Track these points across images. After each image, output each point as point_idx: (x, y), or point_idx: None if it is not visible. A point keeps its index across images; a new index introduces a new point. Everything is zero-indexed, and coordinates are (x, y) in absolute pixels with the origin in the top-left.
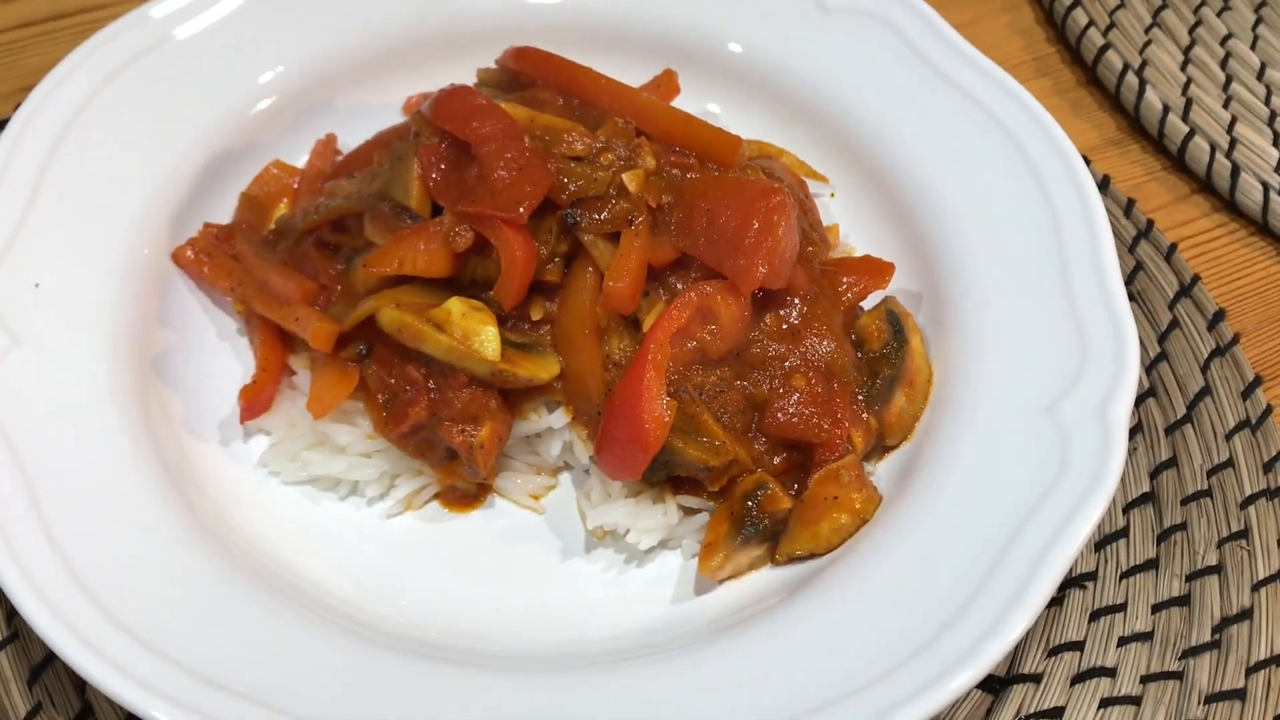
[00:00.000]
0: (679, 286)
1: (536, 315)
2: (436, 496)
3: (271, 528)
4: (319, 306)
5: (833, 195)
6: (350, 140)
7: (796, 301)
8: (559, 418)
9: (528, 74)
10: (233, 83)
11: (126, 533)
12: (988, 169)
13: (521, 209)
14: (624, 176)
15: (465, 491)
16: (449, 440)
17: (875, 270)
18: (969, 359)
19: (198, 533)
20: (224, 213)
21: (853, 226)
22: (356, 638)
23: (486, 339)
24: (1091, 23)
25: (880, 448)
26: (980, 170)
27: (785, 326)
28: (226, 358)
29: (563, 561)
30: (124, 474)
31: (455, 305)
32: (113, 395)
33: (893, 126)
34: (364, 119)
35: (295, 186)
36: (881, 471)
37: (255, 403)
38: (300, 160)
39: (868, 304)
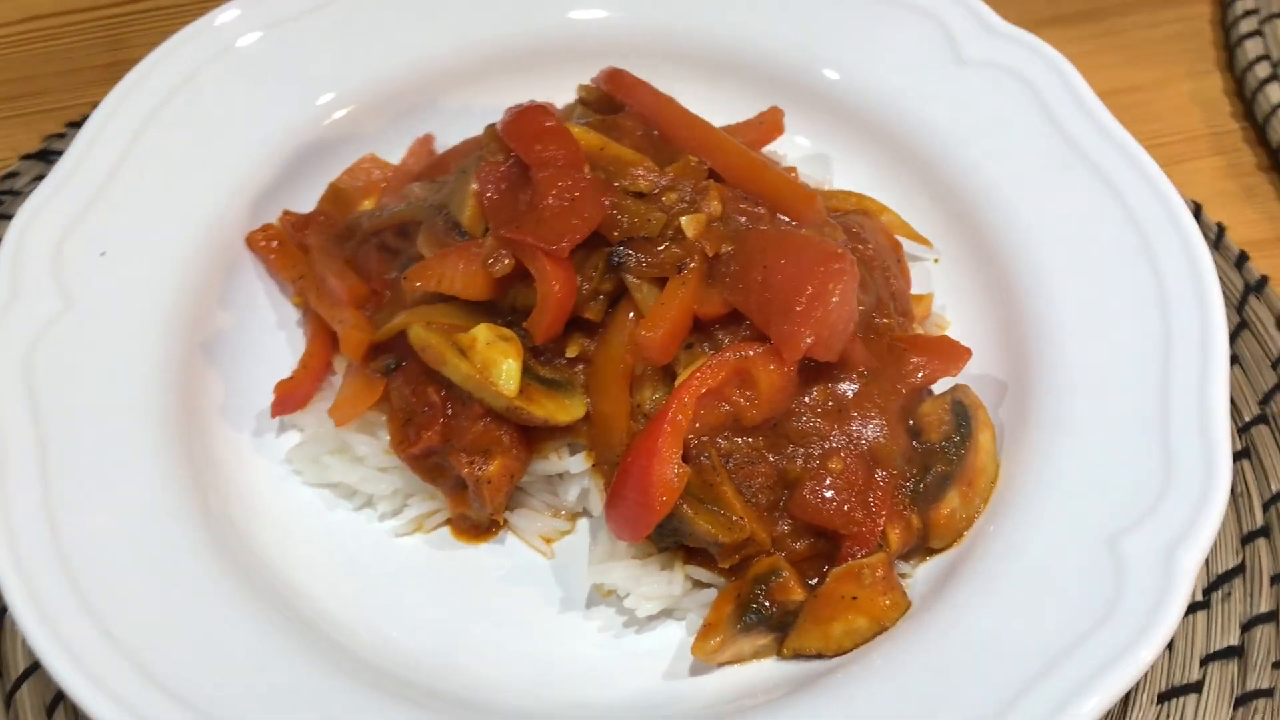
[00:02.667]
0: (725, 341)
1: (572, 353)
2: (448, 523)
3: (282, 528)
4: (367, 311)
5: (936, 261)
6: (449, 141)
7: (852, 377)
8: (579, 462)
9: (618, 96)
10: (338, 72)
11: (132, 530)
12: (1107, 261)
13: (564, 242)
14: (683, 220)
15: (477, 522)
16: (457, 469)
17: (949, 353)
18: (1043, 466)
19: (203, 532)
20: (310, 202)
21: (951, 299)
22: (344, 673)
23: (506, 372)
24: None
25: (923, 549)
26: (1099, 260)
27: (832, 403)
28: (280, 348)
29: (560, 613)
30: (142, 459)
31: (482, 333)
32: (153, 372)
33: (1012, 197)
34: (467, 122)
35: (384, 184)
36: (920, 576)
37: (288, 398)
38: (396, 157)
39: (940, 388)
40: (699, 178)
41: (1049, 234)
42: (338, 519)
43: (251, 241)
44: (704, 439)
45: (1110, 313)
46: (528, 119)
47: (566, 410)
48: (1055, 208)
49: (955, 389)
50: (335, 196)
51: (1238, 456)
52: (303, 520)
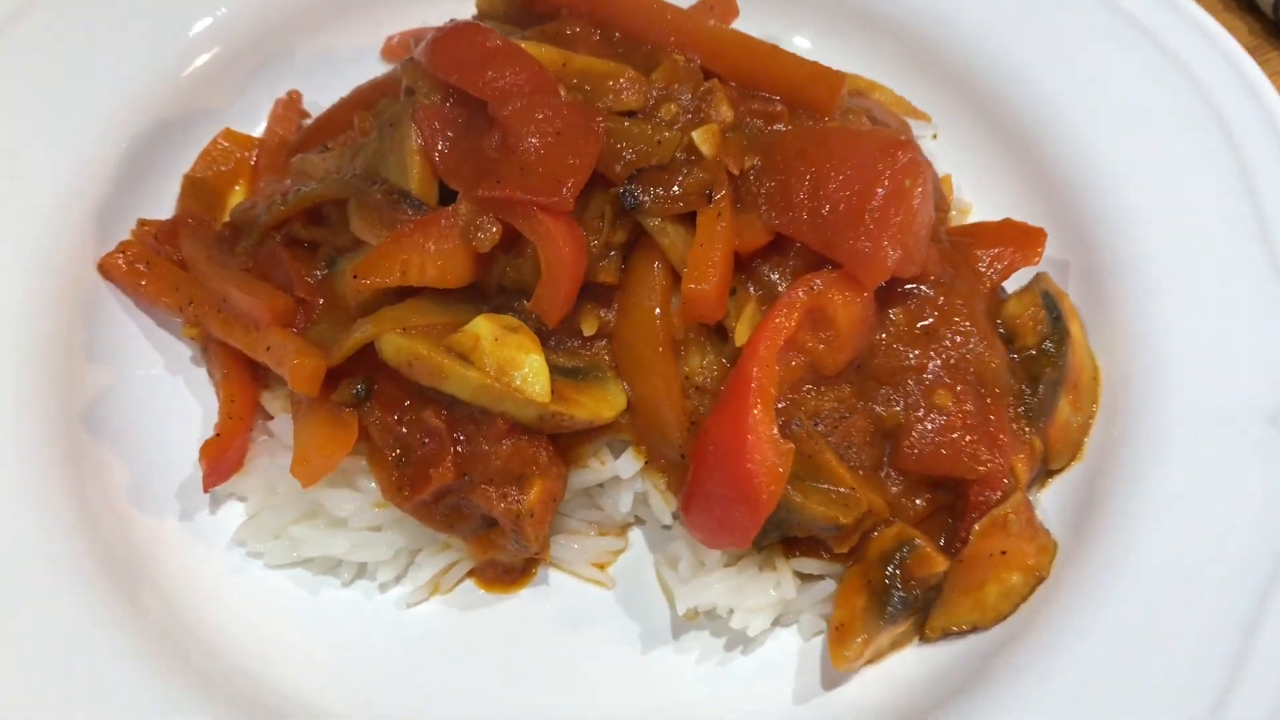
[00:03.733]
0: (774, 278)
1: (589, 329)
2: (471, 574)
3: (252, 631)
4: (296, 328)
5: (934, 137)
6: (319, 98)
7: (930, 290)
8: (628, 463)
9: (547, 1)
10: (161, 30)
11: (55, 662)
12: (1150, 103)
13: (565, 190)
14: (694, 135)
15: (509, 567)
16: (487, 507)
17: (1023, 239)
18: (1147, 351)
19: (153, 658)
20: (163, 204)
21: (961, 177)
22: None
23: (531, 372)
24: None
25: (1043, 473)
26: (1140, 105)
27: (920, 325)
28: (181, 399)
29: (644, 652)
30: (46, 580)
31: (484, 327)
32: (27, 470)
33: (1018, 45)
34: (333, 70)
35: (253, 163)
36: (1045, 504)
37: (221, 462)
38: (257, 128)
39: (1009, 284)
40: (695, 79)
41: (1070, 76)
42: (326, 601)
43: (108, 268)
44: (787, 402)
45: (1172, 162)
46: (463, 40)
47: (609, 403)
48: (1072, 45)
49: (1037, 279)
50: (196, 191)
51: None
52: (281, 613)
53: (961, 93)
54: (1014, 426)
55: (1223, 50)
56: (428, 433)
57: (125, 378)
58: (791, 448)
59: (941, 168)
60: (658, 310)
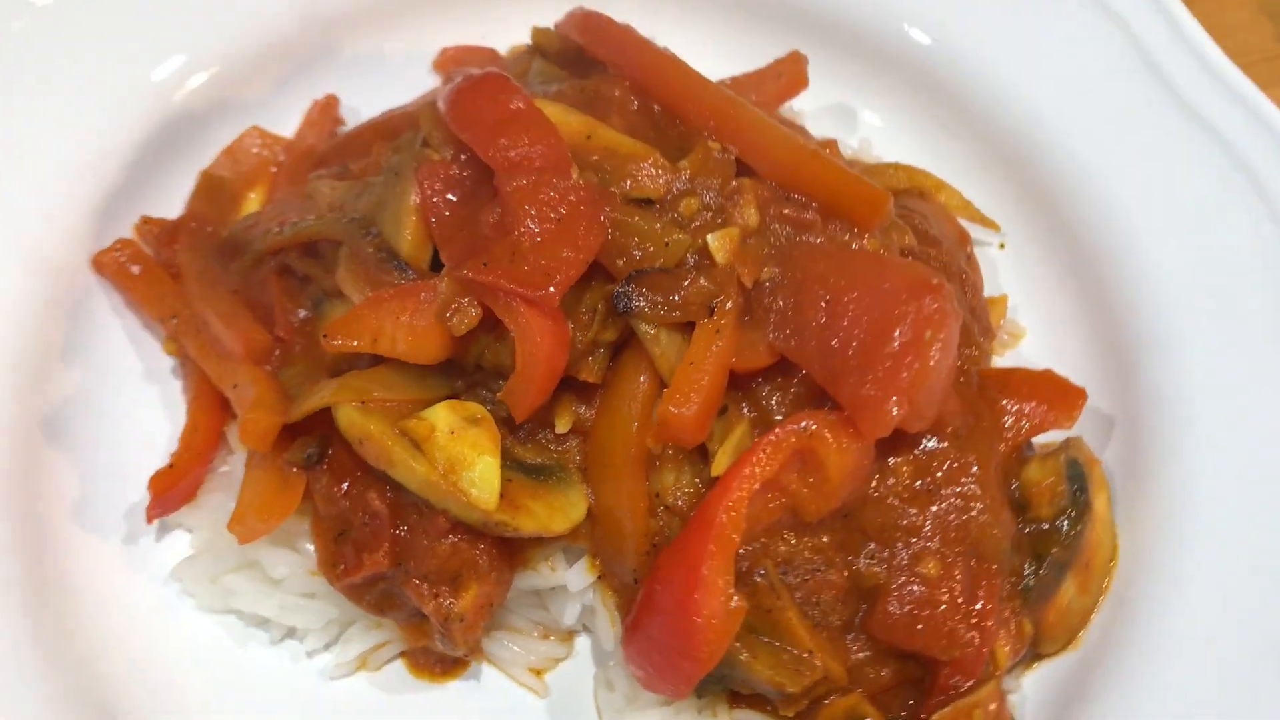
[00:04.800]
0: (773, 404)
1: (562, 427)
2: (402, 656)
3: (171, 673)
4: (272, 366)
5: (1001, 246)
6: (359, 105)
7: (941, 443)
8: (578, 576)
9: (594, 51)
10: (198, 14)
11: None
12: (1232, 249)
13: (552, 286)
14: (710, 239)
15: (442, 655)
16: (419, 604)
17: (1060, 398)
18: (1180, 530)
19: (56, 676)
20: (176, 201)
21: (1023, 296)
22: None
23: (481, 475)
24: None
25: (1030, 656)
26: (1218, 249)
27: (920, 483)
28: (151, 413)
29: None
30: None
31: (442, 417)
32: None
33: (1100, 166)
34: (380, 75)
35: (276, 168)
36: (1027, 689)
37: (169, 495)
38: (289, 129)
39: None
40: (727, 174)
41: (1150, 202)
42: (250, 657)
43: (102, 264)
44: (755, 547)
45: (1248, 318)
46: (483, 96)
47: (564, 514)
48: (1162, 182)
49: (1067, 444)
50: (211, 190)
51: None
52: (201, 662)
53: (1039, 202)
54: (1006, 609)
55: None
56: (370, 514)
57: (99, 382)
58: (743, 608)
59: (1001, 284)
60: (636, 419)
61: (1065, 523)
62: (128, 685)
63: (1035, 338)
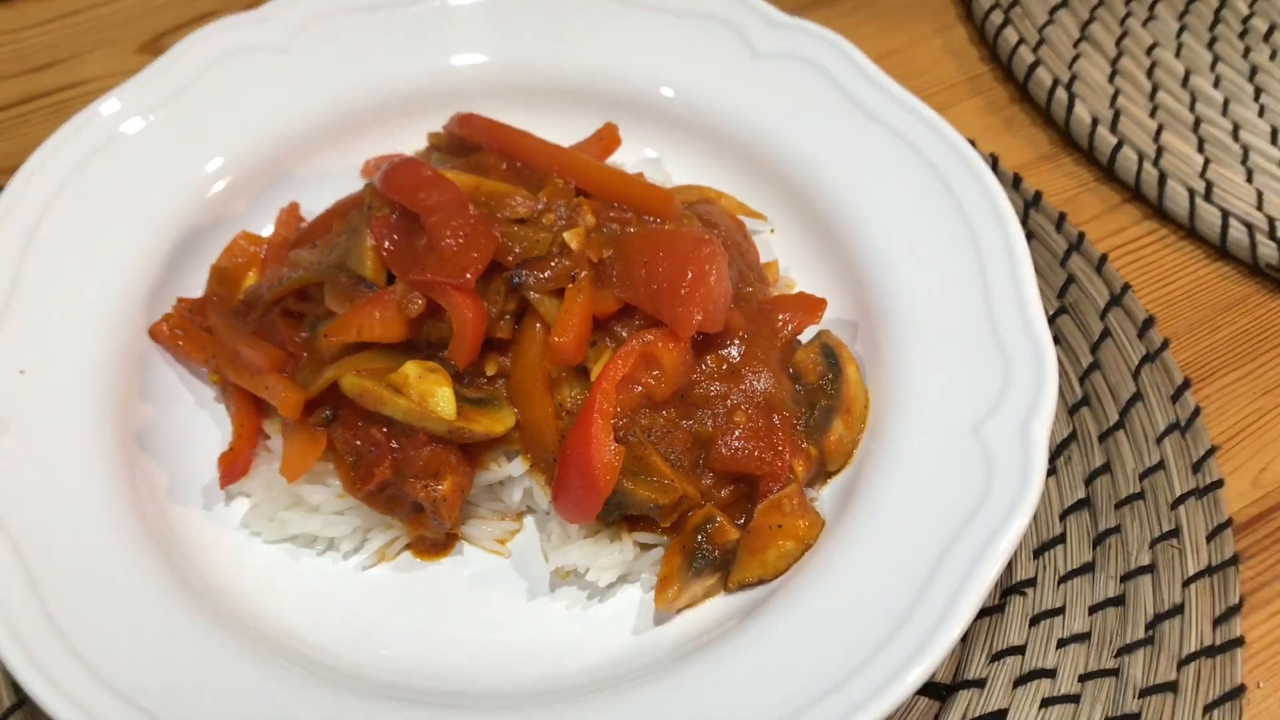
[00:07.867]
0: (624, 334)
1: (491, 371)
2: (408, 547)
3: (255, 586)
4: (287, 373)
5: (772, 232)
6: (314, 206)
7: (735, 341)
8: (518, 466)
9: (472, 139)
10: (193, 162)
11: (119, 603)
12: (914, 203)
13: (468, 275)
14: (565, 235)
15: (434, 541)
16: (414, 495)
17: (809, 306)
18: (902, 384)
19: (186, 597)
20: (197, 286)
21: (792, 261)
22: (339, 687)
23: (442, 399)
24: (1022, 40)
25: (823, 474)
26: (907, 204)
27: (725, 366)
28: (206, 426)
29: (529, 601)
30: (113, 548)
31: (411, 369)
32: (100, 472)
33: (824, 164)
34: (326, 184)
35: (263, 256)
36: (825, 497)
37: (233, 468)
38: (266, 230)
39: (805, 337)
40: (569, 196)
41: (861, 188)
42: (305, 566)
43: (156, 334)
44: (626, 420)
45: (928, 245)
46: (405, 172)
47: (500, 422)
48: (862, 165)
49: (819, 335)
50: (220, 277)
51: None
52: (275, 574)
53: (794, 200)
54: (795, 439)
55: (976, 174)
56: (373, 443)
57: (167, 410)
58: (623, 450)
59: (775, 254)
60: (538, 357)
61: (825, 382)
62: (228, 603)
63: (804, 286)
